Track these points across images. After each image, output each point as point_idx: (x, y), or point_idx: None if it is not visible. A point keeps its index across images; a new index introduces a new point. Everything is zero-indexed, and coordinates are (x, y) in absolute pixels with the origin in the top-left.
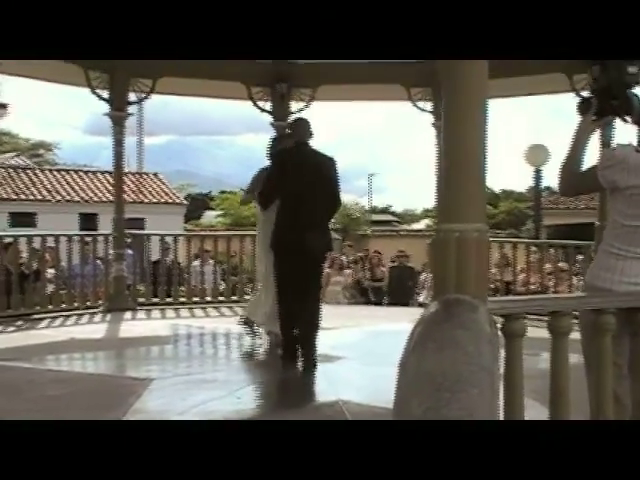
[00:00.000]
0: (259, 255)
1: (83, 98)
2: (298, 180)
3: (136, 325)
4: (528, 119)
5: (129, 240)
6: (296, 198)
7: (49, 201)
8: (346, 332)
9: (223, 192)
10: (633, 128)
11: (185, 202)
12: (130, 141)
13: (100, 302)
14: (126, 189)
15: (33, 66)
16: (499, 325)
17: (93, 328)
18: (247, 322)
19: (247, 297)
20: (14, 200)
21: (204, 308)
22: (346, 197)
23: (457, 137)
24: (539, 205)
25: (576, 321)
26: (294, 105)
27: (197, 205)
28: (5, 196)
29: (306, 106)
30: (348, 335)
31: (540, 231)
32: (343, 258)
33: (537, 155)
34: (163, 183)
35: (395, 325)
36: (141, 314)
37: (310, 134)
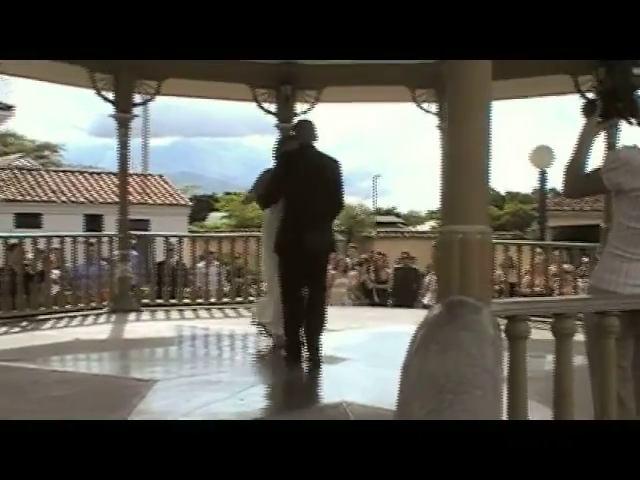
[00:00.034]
0: (264, 256)
1: (89, 100)
2: (302, 182)
3: (140, 326)
4: (533, 121)
5: (134, 241)
6: (300, 200)
7: (54, 202)
8: (350, 334)
9: (228, 193)
10: (639, 130)
11: (190, 203)
12: (135, 142)
13: (105, 303)
14: (131, 190)
15: (39, 68)
16: (502, 327)
17: (98, 329)
18: (260, 324)
19: (251, 298)
20: (19, 201)
21: (208, 309)
22: (351, 199)
23: (460, 138)
24: (544, 207)
25: (580, 323)
26: (299, 107)
27: (202, 206)
28: (11, 197)
29: (311, 108)
30: (352, 337)
31: (545, 233)
32: (348, 260)
33: (542, 157)
34: (168, 184)
35: (400, 327)
36: (145, 315)
37: (315, 136)
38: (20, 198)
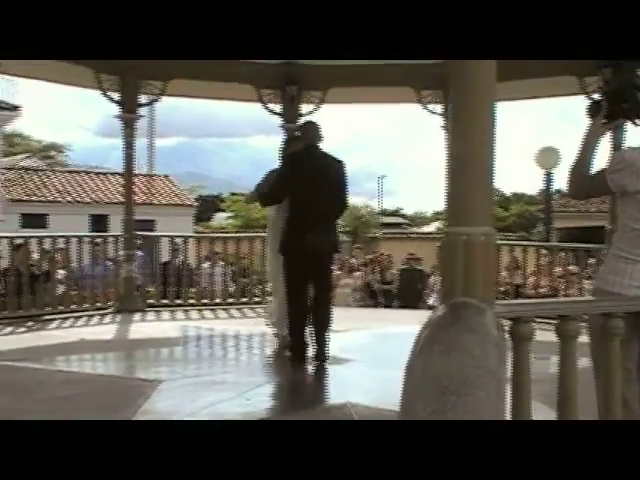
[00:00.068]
0: (269, 257)
1: (95, 100)
2: (307, 182)
3: (146, 326)
4: (538, 121)
5: (139, 241)
6: (305, 200)
7: (60, 202)
8: (355, 335)
9: (234, 194)
10: None
11: (195, 204)
12: (141, 143)
13: (110, 303)
14: (136, 191)
15: (45, 69)
16: (507, 328)
17: (103, 329)
18: (273, 324)
19: (256, 299)
20: (25, 201)
21: (213, 310)
22: (356, 200)
23: (465, 139)
24: (550, 208)
25: (585, 324)
26: (304, 107)
27: (207, 207)
28: (17, 197)
29: (316, 108)
30: (357, 338)
31: (551, 234)
32: (353, 261)
33: (548, 158)
34: (173, 185)
35: (404, 328)
36: (151, 315)
37: (320, 137)
38: (26, 198)
